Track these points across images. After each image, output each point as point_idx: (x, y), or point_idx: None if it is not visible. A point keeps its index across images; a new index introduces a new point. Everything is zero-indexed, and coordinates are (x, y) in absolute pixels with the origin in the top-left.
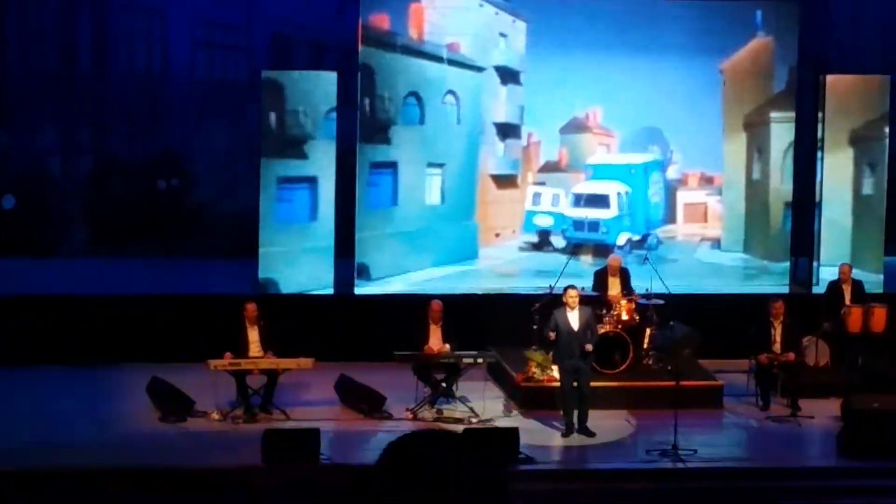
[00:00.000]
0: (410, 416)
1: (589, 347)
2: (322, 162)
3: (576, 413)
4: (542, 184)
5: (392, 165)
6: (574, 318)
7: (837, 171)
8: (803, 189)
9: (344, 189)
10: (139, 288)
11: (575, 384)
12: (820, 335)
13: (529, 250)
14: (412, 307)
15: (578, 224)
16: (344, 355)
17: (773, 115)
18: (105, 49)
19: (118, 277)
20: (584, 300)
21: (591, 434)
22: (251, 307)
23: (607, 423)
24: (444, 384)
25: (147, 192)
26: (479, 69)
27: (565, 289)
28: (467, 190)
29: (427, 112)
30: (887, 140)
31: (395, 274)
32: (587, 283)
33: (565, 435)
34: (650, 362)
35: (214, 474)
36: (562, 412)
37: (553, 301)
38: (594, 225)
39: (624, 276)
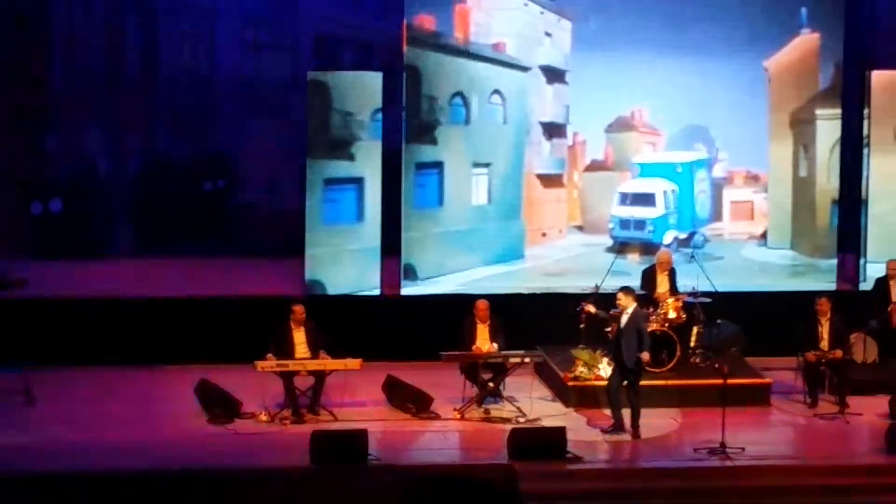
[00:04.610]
0: (458, 416)
1: (645, 356)
2: (368, 162)
3: (626, 412)
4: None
5: (438, 166)
6: (624, 319)
7: (884, 167)
8: (850, 186)
9: (390, 189)
10: (186, 289)
11: (624, 383)
12: (867, 332)
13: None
14: (459, 307)
15: (624, 223)
16: (391, 356)
17: (819, 111)
18: (152, 50)
19: (165, 279)
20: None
21: (637, 435)
22: (299, 309)
23: (655, 422)
24: (491, 384)
25: (193, 193)
26: (525, 69)
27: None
28: (513, 190)
29: (473, 112)
30: None
31: (442, 274)
32: (634, 283)
33: (611, 432)
34: (697, 360)
35: (262, 476)
36: (609, 409)
37: (600, 300)
38: (640, 223)
39: (671, 274)
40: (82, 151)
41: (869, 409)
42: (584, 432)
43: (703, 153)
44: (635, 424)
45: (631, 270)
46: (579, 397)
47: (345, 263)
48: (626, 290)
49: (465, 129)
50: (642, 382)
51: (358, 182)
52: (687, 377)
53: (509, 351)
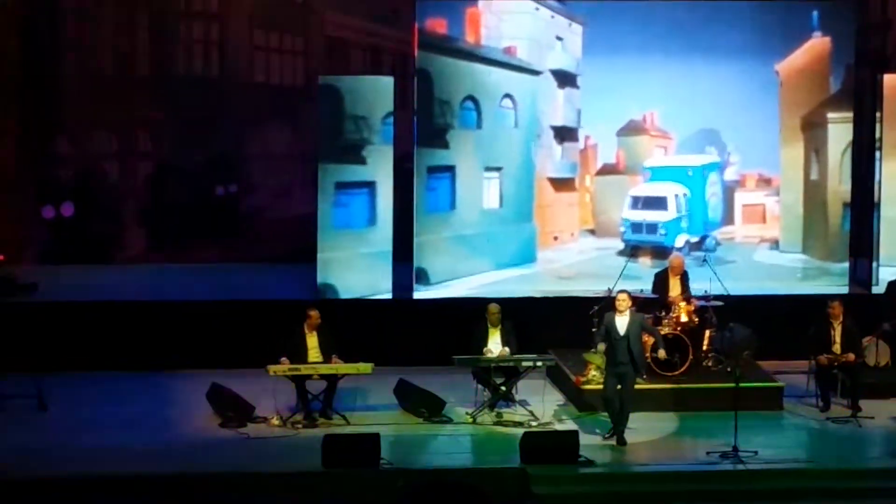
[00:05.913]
0: (470, 419)
1: (661, 354)
2: (379, 167)
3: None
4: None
5: (450, 169)
6: (622, 323)
7: None
8: (862, 189)
9: (402, 193)
10: (197, 294)
11: (619, 388)
12: (880, 335)
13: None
14: (471, 311)
15: (636, 226)
16: (403, 360)
17: (831, 115)
18: (162, 54)
19: (176, 283)
20: (642, 304)
21: (622, 443)
22: (314, 314)
23: (667, 425)
24: (503, 387)
25: (204, 197)
26: (536, 73)
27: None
28: (525, 193)
29: (484, 116)
30: None
31: (454, 278)
32: (646, 286)
33: (607, 437)
34: (710, 364)
35: (274, 480)
36: (608, 414)
37: (612, 303)
38: (652, 227)
39: (683, 278)
40: (93, 156)
41: (881, 413)
42: (596, 436)
43: (715, 157)
44: (619, 429)
45: (643, 274)
46: (591, 401)
47: (357, 268)
48: (627, 293)
49: (476, 132)
50: (653, 386)
51: (370, 186)
52: (699, 381)
53: (521, 355)
